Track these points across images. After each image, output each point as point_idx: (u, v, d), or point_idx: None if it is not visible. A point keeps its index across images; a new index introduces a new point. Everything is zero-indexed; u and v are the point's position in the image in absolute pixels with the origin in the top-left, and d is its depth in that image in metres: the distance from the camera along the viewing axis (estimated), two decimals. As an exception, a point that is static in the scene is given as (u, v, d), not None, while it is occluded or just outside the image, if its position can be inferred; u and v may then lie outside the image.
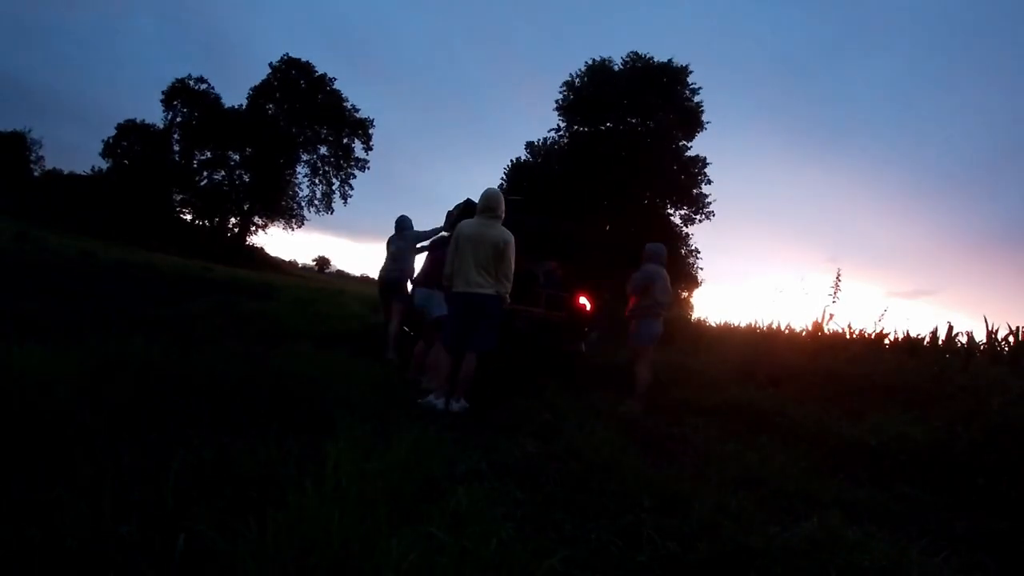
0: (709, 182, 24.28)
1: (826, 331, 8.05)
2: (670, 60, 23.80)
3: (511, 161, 24.96)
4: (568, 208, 18.70)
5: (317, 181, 40.48)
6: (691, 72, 23.86)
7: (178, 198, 38.22)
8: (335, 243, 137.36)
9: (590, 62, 24.52)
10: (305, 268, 64.59)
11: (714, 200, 24.30)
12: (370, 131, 40.53)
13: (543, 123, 25.51)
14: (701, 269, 24.93)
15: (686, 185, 23.98)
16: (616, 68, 24.11)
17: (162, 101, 37.54)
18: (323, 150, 40.43)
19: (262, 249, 41.41)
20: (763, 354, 6.84)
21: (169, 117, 37.64)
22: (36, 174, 35.84)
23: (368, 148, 40.87)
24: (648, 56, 23.88)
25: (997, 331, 7.09)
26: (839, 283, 7.52)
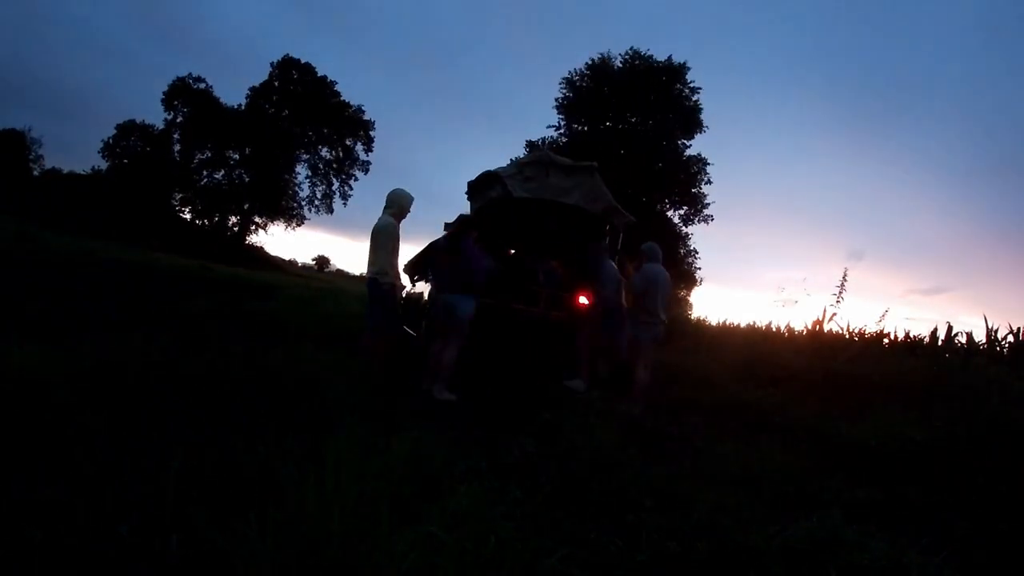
0: (709, 182, 24.31)
1: (826, 331, 8.06)
2: (669, 58, 23.83)
3: (511, 161, 24.99)
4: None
5: (317, 181, 40.48)
6: (689, 69, 23.89)
7: (178, 197, 38.19)
8: (333, 241, 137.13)
9: (590, 61, 24.58)
10: (305, 267, 64.60)
11: (713, 202, 24.37)
12: (371, 132, 40.55)
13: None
14: (699, 269, 25.02)
15: (685, 185, 23.99)
16: (616, 66, 24.14)
17: (163, 101, 37.52)
18: (324, 151, 40.43)
19: (262, 248, 41.37)
20: (763, 354, 6.84)
21: (170, 116, 37.63)
22: (36, 173, 35.81)
23: (369, 149, 40.89)
24: (648, 54, 23.90)
25: (997, 331, 7.10)
26: (845, 284, 7.53)
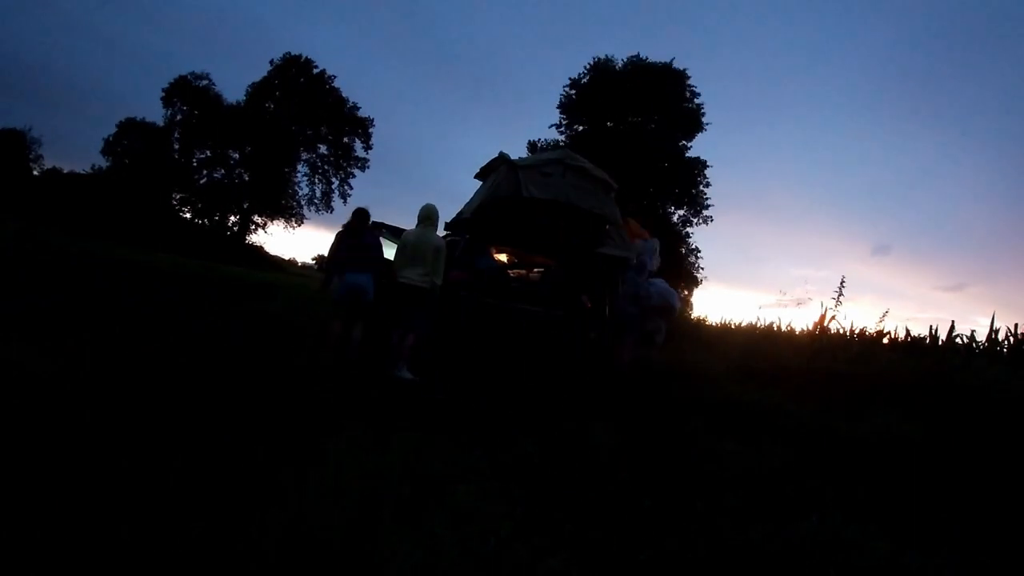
0: (708, 184, 24.48)
1: (826, 331, 8.06)
2: (671, 62, 24.03)
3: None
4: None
5: (317, 180, 40.48)
6: (690, 77, 24.12)
7: (177, 197, 38.18)
8: (331, 240, 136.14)
9: (593, 60, 24.80)
10: (304, 266, 64.58)
11: (713, 204, 24.56)
12: (370, 130, 40.57)
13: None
14: (701, 268, 25.12)
15: (686, 185, 24.11)
16: (617, 67, 24.33)
17: (162, 99, 37.54)
18: (323, 149, 40.44)
19: (262, 248, 41.27)
20: (763, 354, 6.84)
21: (169, 114, 37.63)
22: (36, 173, 35.79)
23: (368, 147, 40.87)
24: (650, 61, 24.18)
25: (998, 331, 7.10)
26: (843, 286, 7.54)
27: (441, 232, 6.45)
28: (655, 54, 24.82)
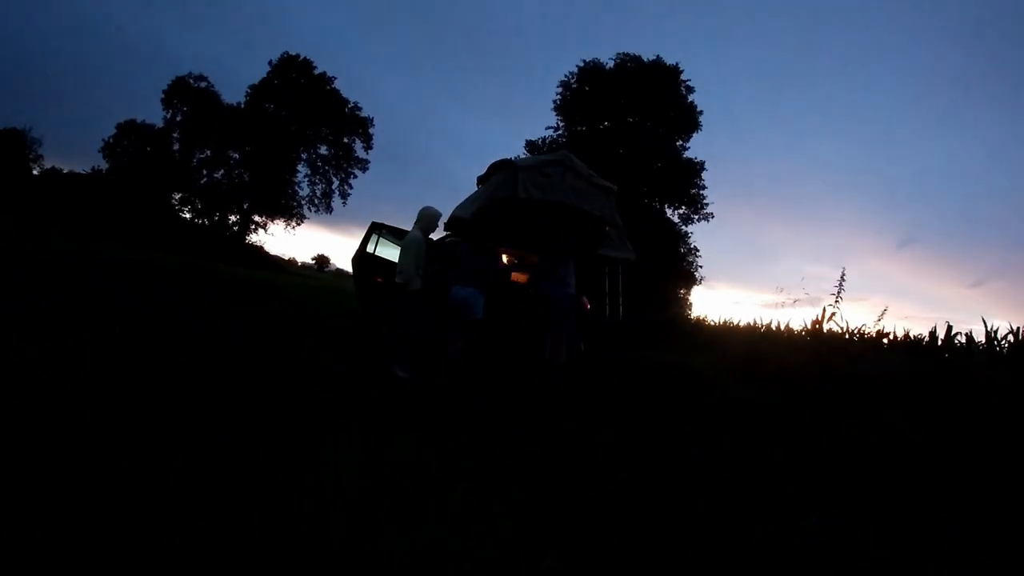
0: (704, 187, 24.51)
1: (826, 331, 8.06)
2: (658, 58, 24.03)
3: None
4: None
5: (317, 180, 40.51)
6: (683, 71, 24.10)
7: (177, 197, 38.20)
8: (332, 240, 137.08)
9: (582, 63, 24.83)
10: (304, 266, 64.61)
11: (712, 202, 24.57)
12: (370, 130, 40.61)
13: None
14: (700, 267, 25.14)
15: (684, 185, 24.11)
16: (608, 67, 24.36)
17: (162, 99, 37.58)
18: (323, 149, 40.49)
19: (262, 247, 41.27)
20: (763, 354, 6.84)
21: (168, 115, 37.67)
22: (35, 172, 35.80)
23: (368, 148, 40.91)
24: (638, 55, 24.17)
25: (997, 331, 7.11)
26: (843, 283, 7.52)
27: (441, 232, 6.47)
28: (666, 40, 24.72)
